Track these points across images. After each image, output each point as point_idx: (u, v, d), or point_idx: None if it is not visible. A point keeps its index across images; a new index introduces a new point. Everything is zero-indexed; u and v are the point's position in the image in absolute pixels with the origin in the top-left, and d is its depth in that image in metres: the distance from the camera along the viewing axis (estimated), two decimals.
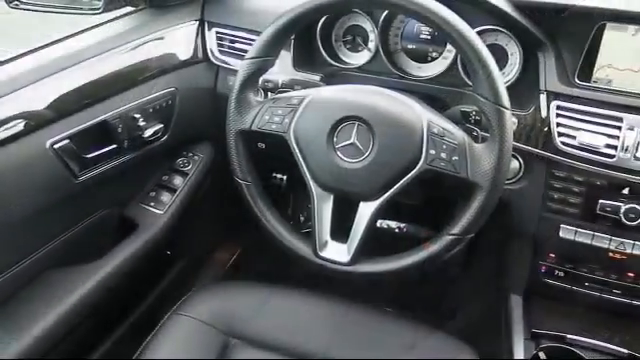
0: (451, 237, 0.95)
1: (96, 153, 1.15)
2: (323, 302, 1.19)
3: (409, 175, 0.94)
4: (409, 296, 1.91)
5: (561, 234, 1.14)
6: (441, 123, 0.94)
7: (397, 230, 2.01)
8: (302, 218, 1.94)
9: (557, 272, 1.22)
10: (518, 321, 1.22)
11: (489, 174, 0.90)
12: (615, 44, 1.08)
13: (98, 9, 1.22)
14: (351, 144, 0.96)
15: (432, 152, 0.92)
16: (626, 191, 1.07)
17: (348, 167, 0.96)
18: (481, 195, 0.91)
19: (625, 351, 1.14)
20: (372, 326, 1.16)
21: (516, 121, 1.07)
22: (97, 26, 1.22)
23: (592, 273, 1.19)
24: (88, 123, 1.11)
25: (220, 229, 1.81)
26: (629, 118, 1.04)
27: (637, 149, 1.03)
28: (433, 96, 1.19)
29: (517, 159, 1.15)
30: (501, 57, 1.19)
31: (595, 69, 1.11)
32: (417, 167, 0.93)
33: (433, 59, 1.26)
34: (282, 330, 1.13)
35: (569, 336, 1.17)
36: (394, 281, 1.95)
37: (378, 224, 2.08)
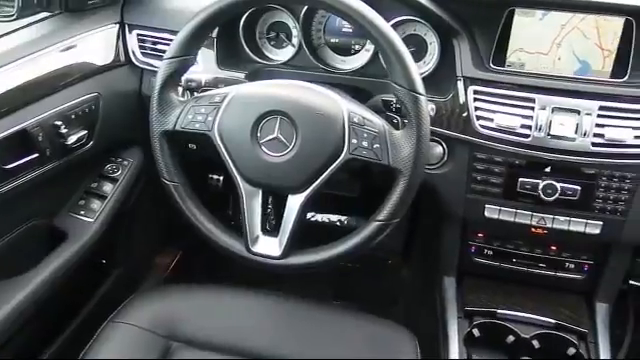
0: (378, 223, 0.97)
1: (17, 163, 1.11)
2: (267, 299, 1.19)
3: (334, 165, 0.95)
4: (354, 288, 1.94)
5: (486, 214, 1.18)
6: (361, 112, 0.96)
7: (338, 223, 2.04)
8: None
9: (486, 251, 1.27)
10: (451, 301, 1.26)
11: (409, 159, 0.93)
12: (525, 29, 1.14)
13: (11, 15, 1.19)
14: (275, 138, 0.97)
15: (354, 141, 0.94)
16: (544, 168, 1.12)
17: (273, 161, 0.97)
18: (403, 180, 0.94)
19: (552, 321, 1.20)
20: (315, 319, 1.17)
21: (434, 107, 1.11)
22: (11, 32, 1.19)
23: (518, 249, 1.25)
24: (6, 132, 1.08)
25: (158, 233, 1.79)
26: (541, 98, 1.09)
27: (550, 127, 1.08)
28: (358, 87, 1.21)
29: (441, 144, 1.18)
30: (421, 47, 1.23)
31: (508, 54, 1.16)
32: (341, 157, 0.95)
33: (356, 52, 1.29)
34: (226, 330, 1.12)
35: (499, 311, 1.21)
36: (340, 275, 1.99)
37: (320, 219, 2.12)
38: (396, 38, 0.93)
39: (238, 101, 0.99)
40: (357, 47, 1.28)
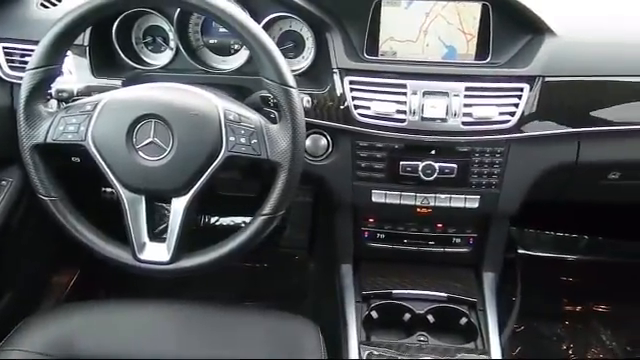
0: (263, 217, 0.98)
1: None
2: (170, 308, 1.17)
3: (214, 164, 0.95)
4: (264, 287, 1.95)
5: (374, 199, 1.22)
6: (237, 110, 0.97)
7: (243, 225, 2.04)
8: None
9: (378, 235, 1.32)
10: (349, 287, 1.29)
11: (287, 152, 0.95)
12: (392, 18, 1.18)
13: None
14: (151, 142, 0.96)
15: (232, 139, 0.95)
16: (422, 150, 1.17)
17: (152, 165, 0.96)
18: (283, 173, 0.95)
19: (444, 294, 1.26)
20: (218, 322, 1.16)
21: (310, 99, 1.13)
22: None
23: (408, 230, 1.30)
24: None
25: (51, 251, 1.71)
26: (412, 84, 1.14)
27: (423, 111, 1.13)
28: (240, 86, 1.22)
29: (325, 136, 1.21)
30: (298, 42, 1.26)
31: (380, 43, 1.20)
32: (220, 155, 0.95)
33: (236, 51, 1.29)
34: (127, 343, 1.09)
35: (395, 291, 1.26)
36: (249, 275, 1.99)
37: (224, 222, 2.12)
38: (261, 33, 0.95)
39: (110, 107, 0.97)
40: (236, 46, 1.29)
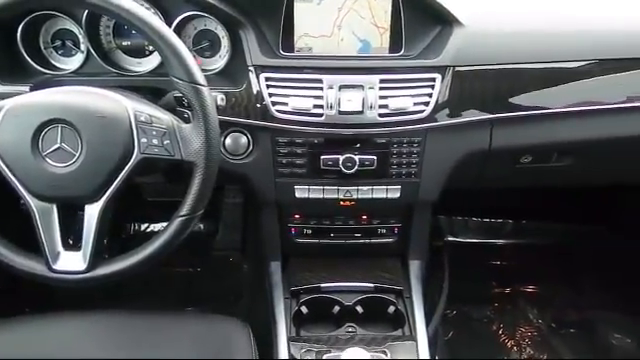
0: (181, 219, 0.97)
1: None
2: (95, 319, 1.14)
3: (127, 167, 0.93)
4: (201, 291, 1.92)
5: (297, 194, 1.23)
6: (148, 111, 0.95)
7: None
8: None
9: (305, 230, 1.32)
10: (278, 285, 1.30)
11: (201, 151, 0.94)
12: (306, 14, 1.19)
13: None
14: (59, 148, 0.93)
15: (144, 140, 0.93)
16: (341, 143, 1.18)
17: (61, 172, 0.93)
18: (199, 172, 0.94)
19: (371, 285, 1.28)
20: (148, 329, 1.14)
21: (224, 97, 1.12)
22: None
23: (333, 224, 1.31)
24: None
25: None
26: (327, 78, 1.14)
27: (339, 104, 1.14)
28: (156, 88, 1.19)
29: (245, 135, 1.20)
30: (215, 41, 1.24)
31: (295, 39, 1.20)
32: (132, 158, 0.93)
33: (151, 52, 1.26)
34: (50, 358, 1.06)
35: (323, 285, 1.27)
36: (185, 281, 1.97)
37: (155, 228, 2.07)
38: (167, 32, 0.93)
39: (13, 114, 0.93)
40: (151, 48, 1.26)
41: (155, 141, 0.93)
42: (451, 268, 1.75)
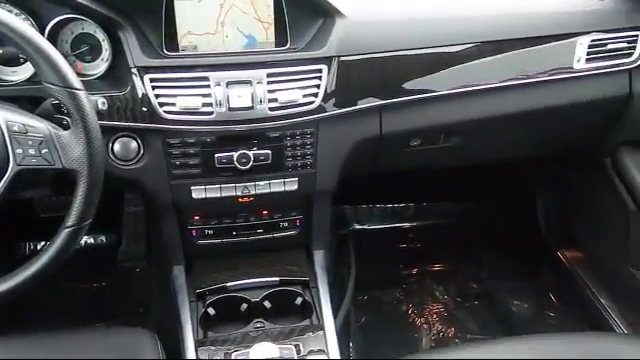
0: (68, 230, 0.93)
1: None
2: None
3: (2, 181, 0.88)
4: (109, 306, 1.86)
5: (194, 195, 1.21)
6: (21, 120, 0.90)
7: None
8: None
9: (207, 231, 1.30)
10: (182, 288, 1.27)
11: (82, 158, 0.90)
12: (187, 12, 1.17)
13: None
14: None
15: (19, 151, 0.88)
16: (234, 140, 1.17)
17: None
18: (82, 180, 0.91)
19: (277, 279, 1.28)
20: (50, 348, 1.08)
21: (105, 101, 1.08)
22: None
23: (235, 222, 1.30)
24: None
25: None
26: (214, 75, 1.13)
27: (229, 101, 1.13)
28: (34, 96, 1.13)
29: (134, 139, 1.17)
30: (95, 45, 1.19)
31: (179, 39, 1.18)
32: (8, 171, 0.88)
33: (25, 60, 1.20)
34: None
35: (229, 284, 1.26)
36: (92, 297, 1.89)
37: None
38: (35, 36, 0.89)
39: None
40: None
41: (32, 151, 0.89)
42: (358, 255, 1.79)
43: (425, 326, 1.79)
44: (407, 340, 1.73)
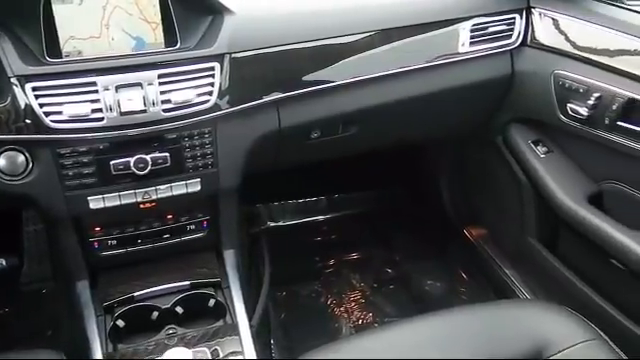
0: None
1: None
2: None
3: None
4: (15, 331, 1.76)
5: (92, 206, 1.16)
6: None
7: None
8: None
9: (109, 242, 1.26)
10: (87, 304, 1.22)
11: None
12: (68, 16, 1.12)
13: None
14: None
15: None
16: (129, 145, 1.14)
17: None
18: None
19: (187, 283, 1.26)
20: None
21: None
22: None
23: (138, 229, 1.26)
24: None
25: None
26: (101, 80, 1.10)
27: (119, 106, 1.10)
28: None
29: (21, 152, 1.11)
30: None
31: (62, 44, 1.13)
32: None
33: None
34: None
35: (137, 294, 1.22)
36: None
37: None
38: None
39: None
40: None
41: None
42: (274, 252, 1.79)
43: (345, 315, 1.82)
44: (328, 331, 1.75)
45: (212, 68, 1.16)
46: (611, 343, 1.07)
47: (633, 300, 1.32)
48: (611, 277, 1.36)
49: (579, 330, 1.07)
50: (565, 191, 1.41)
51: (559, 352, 1.03)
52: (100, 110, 1.09)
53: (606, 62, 1.28)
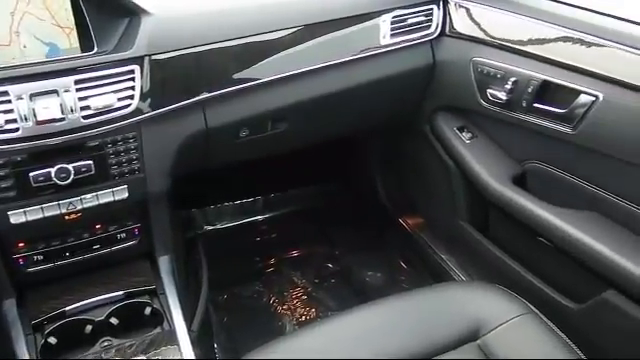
0: None
1: None
2: None
3: None
4: None
5: (13, 221, 1.11)
6: None
7: None
8: None
9: (35, 257, 1.20)
10: (14, 323, 1.17)
11: None
12: None
13: None
14: None
15: None
16: (49, 156, 1.10)
17: None
18: None
19: (121, 292, 1.23)
20: None
21: None
22: None
23: (66, 242, 1.21)
24: None
25: None
26: (14, 89, 1.05)
27: (35, 115, 1.05)
28: None
29: None
30: None
31: None
32: None
33: None
34: None
35: (68, 308, 1.18)
36: None
37: None
38: None
39: None
40: None
41: None
42: (213, 255, 1.77)
43: (288, 312, 1.82)
44: (271, 330, 1.74)
45: (132, 71, 1.13)
46: (542, 316, 1.12)
47: (560, 274, 1.38)
48: (539, 254, 1.41)
49: (512, 306, 1.11)
50: (491, 174, 1.45)
51: (494, 329, 1.07)
52: (15, 120, 1.05)
53: (520, 47, 1.33)
